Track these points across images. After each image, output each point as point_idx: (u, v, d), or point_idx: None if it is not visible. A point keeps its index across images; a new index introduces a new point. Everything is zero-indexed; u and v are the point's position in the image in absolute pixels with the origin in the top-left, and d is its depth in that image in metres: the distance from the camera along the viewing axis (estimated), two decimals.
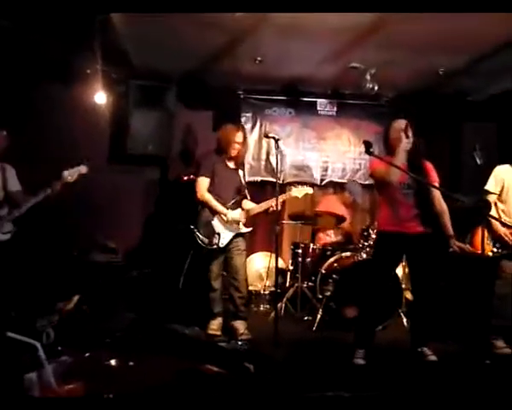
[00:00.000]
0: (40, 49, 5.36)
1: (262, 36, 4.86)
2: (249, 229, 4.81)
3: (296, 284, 5.63)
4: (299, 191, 4.87)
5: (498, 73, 5.73)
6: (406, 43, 4.91)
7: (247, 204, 4.83)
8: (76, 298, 4.76)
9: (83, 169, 4.44)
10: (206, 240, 4.60)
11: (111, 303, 5.15)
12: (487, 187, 4.52)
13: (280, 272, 6.14)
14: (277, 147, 4.37)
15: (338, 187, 6.89)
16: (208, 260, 4.68)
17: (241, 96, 6.68)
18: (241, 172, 4.84)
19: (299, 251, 5.75)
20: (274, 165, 6.44)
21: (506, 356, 4.23)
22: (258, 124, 6.78)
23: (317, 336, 4.97)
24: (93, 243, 5.82)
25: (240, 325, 4.65)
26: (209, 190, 4.66)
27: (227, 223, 4.62)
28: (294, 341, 4.67)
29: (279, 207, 4.50)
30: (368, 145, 3.27)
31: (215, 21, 4.53)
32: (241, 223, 4.67)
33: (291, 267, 6.00)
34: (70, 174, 4.37)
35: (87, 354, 2.28)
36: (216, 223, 4.61)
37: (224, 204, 4.63)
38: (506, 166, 4.51)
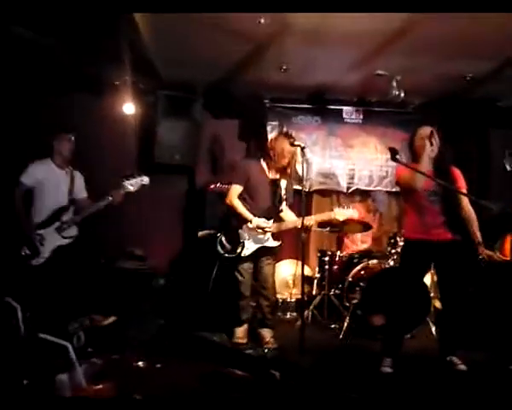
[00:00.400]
0: (69, 62, 5.51)
1: (287, 44, 4.88)
2: (277, 243, 4.67)
3: (323, 292, 5.62)
4: (342, 214, 4.57)
5: None
6: (432, 49, 4.87)
7: (285, 216, 4.71)
8: (112, 319, 4.83)
9: (145, 180, 4.56)
10: (228, 246, 4.59)
11: (139, 310, 5.24)
12: None
13: (307, 280, 6.18)
14: (303, 155, 4.32)
15: (364, 195, 6.86)
16: (236, 268, 4.66)
17: (268, 105, 6.70)
18: (284, 182, 4.67)
19: (326, 259, 5.74)
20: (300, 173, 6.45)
21: None
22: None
23: (343, 344, 4.96)
24: (121, 251, 5.93)
25: (266, 333, 4.66)
26: (242, 198, 4.56)
27: (253, 232, 4.54)
28: (321, 348, 4.67)
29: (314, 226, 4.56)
30: (393, 152, 3.27)
31: (240, 30, 4.56)
32: (268, 235, 4.57)
33: (318, 275, 5.99)
34: (132, 184, 4.49)
35: (116, 356, 2.33)
36: (242, 232, 4.57)
37: (255, 213, 4.52)
38: None
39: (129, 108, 5.89)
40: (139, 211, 6.15)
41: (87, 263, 5.08)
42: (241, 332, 4.68)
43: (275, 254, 4.78)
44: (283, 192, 4.66)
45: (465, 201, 3.99)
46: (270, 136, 6.67)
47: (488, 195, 6.64)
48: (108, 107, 5.95)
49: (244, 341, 4.65)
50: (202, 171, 6.62)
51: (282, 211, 4.70)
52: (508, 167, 6.84)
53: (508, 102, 6.54)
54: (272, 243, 4.63)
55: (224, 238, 4.64)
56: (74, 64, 5.63)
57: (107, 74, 5.74)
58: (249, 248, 4.57)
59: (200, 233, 5.89)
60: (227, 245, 4.61)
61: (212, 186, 6.19)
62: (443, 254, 3.96)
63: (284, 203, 4.70)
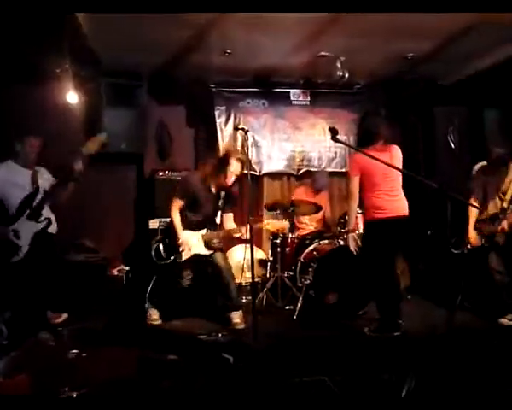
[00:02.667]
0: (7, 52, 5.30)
1: (228, 28, 4.85)
2: (208, 252, 4.86)
3: (276, 275, 5.65)
4: (272, 225, 4.97)
5: (466, 56, 5.81)
6: (374, 30, 4.93)
7: (224, 222, 4.95)
8: (65, 316, 4.87)
9: (103, 137, 4.58)
10: (163, 254, 4.83)
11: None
12: None
13: (261, 264, 6.21)
14: (247, 138, 4.39)
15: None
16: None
17: (214, 90, 6.65)
18: (223, 193, 4.88)
19: (278, 241, 5.77)
20: (250, 158, 6.48)
21: None
22: (232, 117, 6.76)
23: (297, 325, 5.01)
24: (71, 243, 5.79)
25: (234, 315, 4.83)
26: (182, 212, 4.80)
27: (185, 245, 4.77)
28: (275, 330, 4.69)
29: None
30: (333, 132, 3.29)
31: (179, 16, 4.51)
32: (201, 243, 4.81)
33: (271, 258, 6.02)
34: (90, 147, 4.46)
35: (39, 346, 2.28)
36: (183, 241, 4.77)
37: (192, 223, 4.79)
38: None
39: (71, 97, 5.69)
40: (89, 201, 6.03)
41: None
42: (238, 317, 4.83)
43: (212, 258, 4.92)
44: (221, 202, 4.88)
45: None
46: (218, 121, 6.66)
47: (435, 172, 6.82)
48: (50, 96, 5.73)
49: (243, 325, 4.77)
50: (151, 158, 6.51)
51: (218, 220, 4.92)
52: (452, 145, 7.02)
53: (448, 80, 6.70)
54: (203, 251, 4.85)
55: (161, 247, 4.87)
56: (12, 53, 5.41)
57: (46, 63, 5.53)
58: (184, 256, 4.81)
59: (150, 222, 5.84)
60: (162, 253, 4.86)
61: (161, 174, 6.13)
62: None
63: (219, 213, 4.90)
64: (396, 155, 4.41)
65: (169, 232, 4.89)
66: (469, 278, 5.11)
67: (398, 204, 4.37)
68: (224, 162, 4.68)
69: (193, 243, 4.80)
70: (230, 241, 5.83)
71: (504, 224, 4.62)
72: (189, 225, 4.82)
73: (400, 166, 4.33)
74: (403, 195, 4.43)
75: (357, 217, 5.45)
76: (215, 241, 4.85)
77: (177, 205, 4.80)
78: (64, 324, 4.75)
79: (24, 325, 4.14)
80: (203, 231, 4.84)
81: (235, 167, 4.66)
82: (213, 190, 4.85)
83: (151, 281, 5.09)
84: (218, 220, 4.93)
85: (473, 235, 4.92)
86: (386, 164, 3.82)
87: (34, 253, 4.45)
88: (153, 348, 2.76)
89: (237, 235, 4.80)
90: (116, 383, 1.92)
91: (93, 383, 1.90)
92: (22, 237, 4.41)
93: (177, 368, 2.51)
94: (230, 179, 4.73)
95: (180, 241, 4.74)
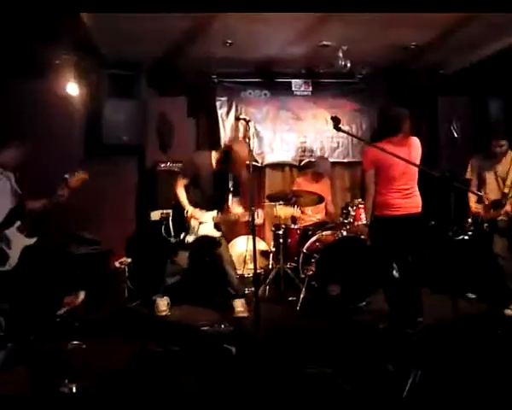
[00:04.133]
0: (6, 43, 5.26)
1: (230, 17, 4.79)
2: (217, 234, 4.89)
3: (278, 266, 5.64)
4: (284, 211, 4.99)
5: (469, 45, 5.76)
6: (376, 18, 4.87)
7: (232, 209, 4.93)
8: (82, 293, 4.93)
9: (84, 175, 4.52)
10: (172, 232, 4.83)
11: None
12: None
13: (263, 255, 6.20)
14: (248, 128, 4.36)
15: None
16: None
17: (215, 80, 6.61)
18: (232, 175, 4.87)
19: (280, 232, 5.75)
20: (252, 147, 6.45)
21: None
22: (233, 107, 6.72)
23: (300, 315, 5.00)
24: (72, 236, 5.78)
25: (238, 303, 4.88)
26: (188, 189, 4.80)
27: (193, 222, 4.77)
28: (278, 321, 4.69)
29: (260, 220, 4.68)
30: (336, 121, 3.26)
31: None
32: (208, 223, 4.82)
33: (273, 249, 6.01)
34: (73, 182, 4.44)
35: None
36: (191, 213, 4.75)
37: (199, 204, 4.79)
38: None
39: (72, 88, 5.69)
40: (90, 194, 5.99)
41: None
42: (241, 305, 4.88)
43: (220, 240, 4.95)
44: (230, 184, 4.84)
45: None
46: (220, 112, 6.63)
47: (438, 162, 6.79)
48: (50, 88, 5.72)
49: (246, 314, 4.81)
50: (152, 150, 6.49)
51: (228, 202, 4.90)
52: (455, 134, 6.99)
53: (450, 69, 6.65)
54: (212, 233, 4.86)
55: (170, 224, 4.86)
56: (11, 45, 5.37)
57: (46, 53, 5.49)
58: (192, 234, 4.83)
59: (152, 214, 5.82)
60: (171, 231, 4.84)
61: (163, 165, 6.11)
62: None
63: (231, 195, 4.87)
64: (415, 148, 4.25)
65: (178, 211, 4.87)
66: (472, 266, 5.14)
67: (411, 201, 4.22)
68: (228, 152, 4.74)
69: (205, 219, 4.81)
70: (236, 226, 5.94)
71: (508, 207, 4.77)
72: (198, 205, 4.81)
73: (418, 159, 4.22)
74: (417, 191, 4.28)
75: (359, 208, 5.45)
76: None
77: (181, 183, 4.82)
78: (84, 302, 4.84)
79: (22, 318, 4.15)
80: (214, 213, 4.84)
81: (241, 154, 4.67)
82: (220, 171, 4.85)
83: (158, 271, 5.11)
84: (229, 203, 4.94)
85: (473, 206, 5.02)
86: (401, 158, 3.73)
87: (22, 267, 4.37)
88: (155, 339, 2.75)
89: (246, 219, 4.70)
90: (116, 376, 1.91)
91: (93, 375, 1.90)
92: (13, 249, 4.32)
93: (180, 360, 2.50)
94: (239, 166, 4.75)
95: (189, 214, 4.73)
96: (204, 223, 4.82)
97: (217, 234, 4.90)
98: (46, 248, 4.72)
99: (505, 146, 4.90)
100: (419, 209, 4.27)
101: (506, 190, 4.82)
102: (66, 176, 4.42)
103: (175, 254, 4.92)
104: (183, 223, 4.81)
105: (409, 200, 4.21)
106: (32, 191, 4.53)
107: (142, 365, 2.08)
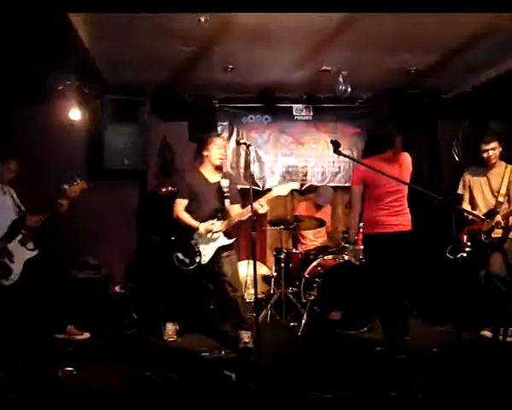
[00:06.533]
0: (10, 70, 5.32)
1: (230, 43, 4.84)
2: (231, 240, 4.70)
3: (280, 290, 5.59)
4: (282, 189, 4.58)
5: (470, 69, 5.79)
6: (376, 43, 4.92)
7: (232, 212, 4.69)
8: (87, 334, 4.79)
9: (84, 185, 4.55)
10: (186, 260, 4.61)
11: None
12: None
13: (264, 280, 6.16)
14: (249, 153, 4.31)
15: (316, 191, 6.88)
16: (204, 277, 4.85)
17: (217, 106, 6.66)
18: (224, 181, 4.71)
19: (282, 257, 5.72)
20: (252, 172, 6.49)
21: None
22: (235, 132, 6.77)
23: (302, 341, 4.94)
24: (74, 261, 5.77)
25: (244, 334, 4.63)
26: (188, 210, 4.68)
27: (205, 238, 4.58)
28: (280, 347, 4.63)
29: (265, 209, 4.45)
30: (336, 145, 3.26)
31: (182, 32, 4.53)
32: (219, 234, 4.61)
33: (275, 274, 5.97)
34: (72, 191, 4.48)
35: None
36: (195, 241, 4.61)
37: (202, 220, 4.59)
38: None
39: (75, 114, 5.73)
40: (91, 218, 6.01)
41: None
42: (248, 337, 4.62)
43: (232, 251, 4.77)
44: (226, 191, 4.70)
45: None
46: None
47: (439, 185, 6.78)
48: (53, 114, 5.77)
49: (251, 345, 4.52)
50: (154, 175, 6.50)
51: (227, 209, 4.69)
52: (456, 158, 6.99)
53: (452, 93, 6.68)
54: (226, 242, 4.66)
55: (180, 254, 4.65)
56: (14, 71, 5.43)
57: (48, 80, 5.54)
58: (207, 254, 4.61)
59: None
60: (185, 259, 4.62)
61: (164, 190, 6.12)
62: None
63: (228, 201, 4.70)
64: (406, 164, 4.21)
65: (186, 234, 4.67)
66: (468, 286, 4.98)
67: (400, 219, 4.15)
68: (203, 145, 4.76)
69: (218, 228, 4.59)
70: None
71: (499, 218, 4.60)
72: (205, 218, 4.62)
73: (409, 176, 4.18)
74: (407, 208, 4.22)
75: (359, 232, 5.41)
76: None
77: (181, 206, 4.70)
78: (85, 341, 4.70)
79: (16, 342, 4.12)
80: (218, 223, 4.61)
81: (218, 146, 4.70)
82: (211, 180, 4.74)
83: (164, 294, 5.03)
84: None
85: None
86: (390, 177, 3.71)
87: (25, 280, 4.42)
88: (153, 366, 2.71)
89: (247, 216, 4.45)
90: (109, 402, 1.88)
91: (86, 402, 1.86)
92: (15, 262, 4.37)
93: (178, 386, 2.46)
94: (217, 159, 4.71)
95: (202, 229, 4.54)
96: (215, 233, 4.59)
97: (230, 241, 4.70)
98: (48, 264, 4.70)
99: (496, 150, 4.73)
100: (409, 227, 4.20)
101: (500, 199, 4.67)
102: (66, 186, 4.45)
103: (188, 279, 4.74)
104: (191, 247, 4.61)
105: (398, 217, 4.15)
106: (34, 214, 4.54)
107: (136, 392, 2.04)
